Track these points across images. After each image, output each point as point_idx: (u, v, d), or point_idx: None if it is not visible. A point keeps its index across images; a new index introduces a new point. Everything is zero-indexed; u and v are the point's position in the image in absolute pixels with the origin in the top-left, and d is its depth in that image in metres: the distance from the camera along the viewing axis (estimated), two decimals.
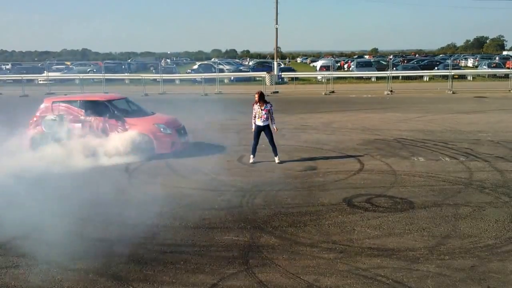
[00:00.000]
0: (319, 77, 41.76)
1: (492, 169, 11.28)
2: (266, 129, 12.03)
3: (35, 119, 13.45)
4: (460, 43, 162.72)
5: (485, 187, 9.85)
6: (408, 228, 7.66)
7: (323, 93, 32.19)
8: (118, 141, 12.46)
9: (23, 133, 13.37)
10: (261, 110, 11.93)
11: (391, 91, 31.75)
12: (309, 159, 12.61)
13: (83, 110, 13.12)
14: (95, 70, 48.04)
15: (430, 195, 9.37)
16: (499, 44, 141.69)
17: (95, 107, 13.17)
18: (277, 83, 38.67)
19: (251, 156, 12.24)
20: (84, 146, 12.39)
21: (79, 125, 12.96)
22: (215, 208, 8.79)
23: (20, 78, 38.65)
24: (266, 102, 12.01)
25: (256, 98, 11.99)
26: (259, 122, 12.03)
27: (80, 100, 13.48)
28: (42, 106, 13.55)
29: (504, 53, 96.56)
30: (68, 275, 6.27)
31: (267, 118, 11.97)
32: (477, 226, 7.69)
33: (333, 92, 32.98)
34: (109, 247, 7.12)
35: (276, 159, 12.14)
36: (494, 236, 7.29)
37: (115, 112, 12.99)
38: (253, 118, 12.19)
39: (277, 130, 12.29)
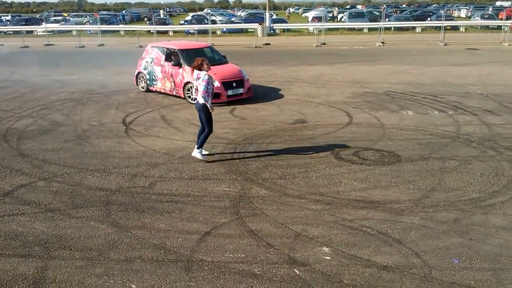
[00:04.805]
0: (310, 28, 41.28)
1: (480, 122, 11.43)
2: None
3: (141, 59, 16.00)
4: None
5: (472, 140, 10.01)
6: (394, 181, 7.86)
7: (314, 45, 31.89)
8: (177, 86, 14.46)
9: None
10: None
11: (383, 42, 31.57)
12: (299, 112, 12.72)
13: (164, 56, 14.98)
14: (91, 22, 48.41)
15: (417, 148, 9.54)
16: None
17: (170, 54, 14.84)
18: (268, 35, 38.24)
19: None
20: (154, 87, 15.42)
21: (159, 68, 15.02)
22: (208, 160, 8.96)
23: (20, 29, 39.40)
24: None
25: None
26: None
27: (163, 47, 15.31)
28: (146, 48, 15.91)
29: (498, 3, 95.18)
30: (71, 222, 6.53)
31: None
32: (462, 180, 7.88)
33: (324, 44, 32.69)
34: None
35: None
36: (478, 190, 7.47)
37: (180, 60, 14.28)
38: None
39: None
